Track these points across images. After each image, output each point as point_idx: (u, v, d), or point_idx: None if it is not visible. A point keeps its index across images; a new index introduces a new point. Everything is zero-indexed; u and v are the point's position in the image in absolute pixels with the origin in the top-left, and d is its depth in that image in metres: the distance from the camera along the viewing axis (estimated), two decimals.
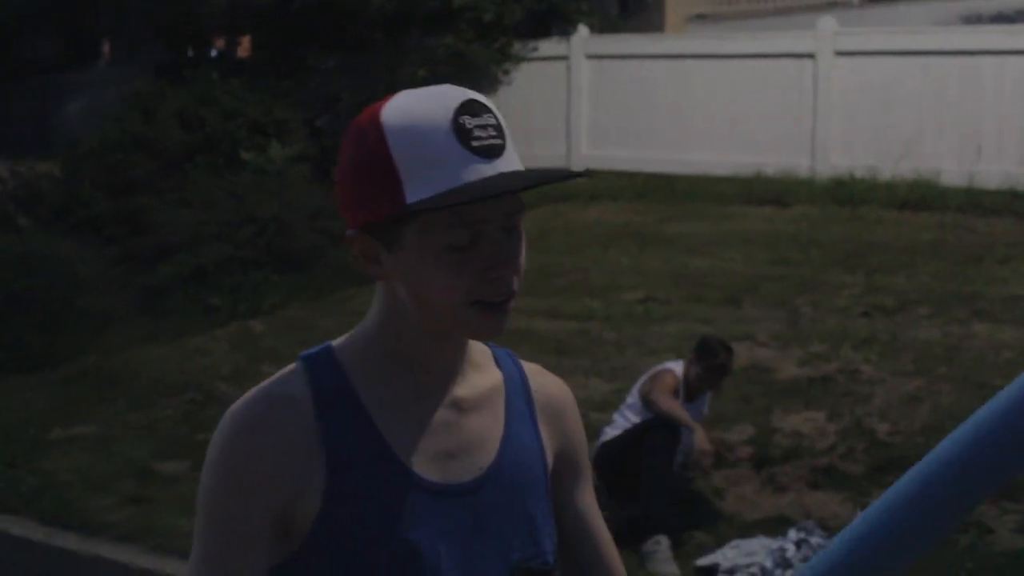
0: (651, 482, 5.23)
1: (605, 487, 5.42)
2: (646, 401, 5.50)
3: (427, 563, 1.34)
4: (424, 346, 1.37)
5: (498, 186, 1.24)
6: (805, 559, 4.69)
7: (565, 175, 1.32)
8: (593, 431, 6.19)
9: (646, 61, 11.62)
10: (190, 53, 13.36)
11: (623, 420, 5.65)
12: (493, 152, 1.27)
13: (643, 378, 5.76)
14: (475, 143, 1.26)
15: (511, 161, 1.29)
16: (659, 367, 5.82)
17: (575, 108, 11.72)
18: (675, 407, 5.46)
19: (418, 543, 1.33)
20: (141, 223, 10.11)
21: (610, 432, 5.65)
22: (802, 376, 6.68)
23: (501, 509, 1.40)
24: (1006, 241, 8.48)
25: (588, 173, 1.43)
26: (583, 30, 11.91)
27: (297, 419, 1.32)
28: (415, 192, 1.26)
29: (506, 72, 12.03)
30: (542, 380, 1.52)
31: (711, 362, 5.66)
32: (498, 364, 1.49)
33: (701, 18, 14.53)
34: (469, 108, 1.28)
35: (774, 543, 4.76)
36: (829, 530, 4.95)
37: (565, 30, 12.00)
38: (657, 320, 7.81)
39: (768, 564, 4.57)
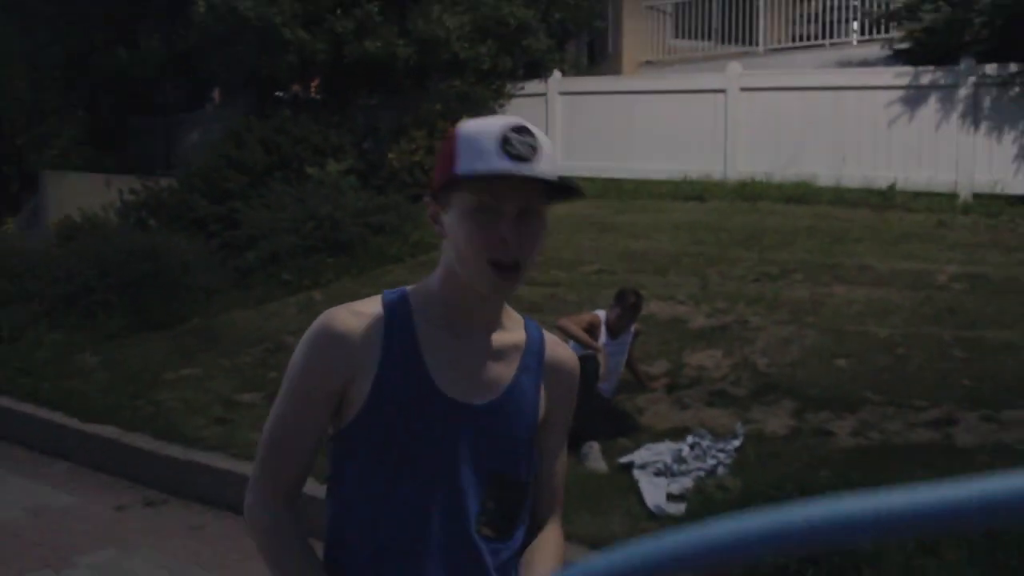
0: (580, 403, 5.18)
1: None
2: (559, 328, 5.35)
3: (432, 451, 1.38)
4: (468, 300, 1.41)
5: (508, 172, 1.30)
6: (698, 457, 4.72)
7: (561, 186, 1.34)
8: None
9: (604, 96, 11.58)
10: (277, 96, 13.34)
11: None
12: (522, 158, 1.31)
13: None
14: (511, 150, 1.31)
15: (536, 169, 1.32)
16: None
17: (552, 131, 11.66)
18: (570, 326, 5.44)
19: (429, 436, 1.38)
20: (234, 221, 10.16)
21: None
22: (707, 325, 6.70)
23: (495, 431, 1.42)
24: (862, 226, 8.46)
25: (579, 193, 1.38)
26: (557, 74, 11.87)
27: (367, 328, 1.39)
28: (462, 169, 1.32)
29: (500, 106, 11.99)
30: (556, 349, 1.54)
31: (625, 303, 5.66)
32: (526, 329, 1.51)
33: (650, 63, 14.42)
34: (518, 129, 1.33)
35: (675, 445, 4.80)
36: (717, 435, 4.98)
37: (545, 75, 11.95)
38: (606, 286, 7.81)
39: (668, 460, 4.60)
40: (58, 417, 6.47)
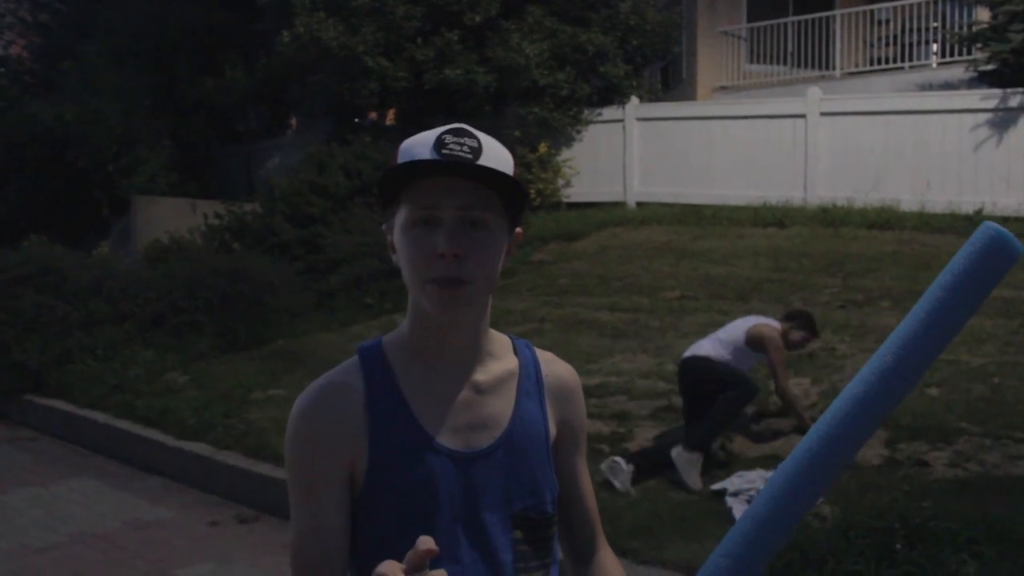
0: (717, 419, 4.91)
1: (682, 390, 5.23)
2: (758, 345, 5.07)
3: (447, 511, 1.27)
4: (435, 334, 1.29)
5: (436, 180, 1.20)
6: None
7: (508, 187, 1.22)
8: (636, 393, 6.21)
9: (681, 122, 11.58)
10: (355, 122, 13.58)
11: (715, 348, 5.15)
12: (456, 158, 1.21)
13: (745, 321, 5.29)
14: (444, 151, 1.21)
15: (474, 171, 1.21)
16: (762, 320, 5.31)
17: (629, 156, 11.72)
18: (790, 388, 5.19)
19: (440, 496, 1.27)
20: (316, 245, 10.29)
21: (703, 349, 5.18)
22: (794, 352, 6.61)
23: (510, 469, 1.31)
24: (948, 252, 8.25)
25: (520, 188, 1.23)
26: (634, 100, 11.91)
27: (349, 402, 1.27)
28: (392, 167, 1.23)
29: (578, 131, 12.08)
30: (553, 366, 1.41)
31: (810, 325, 5.35)
32: (516, 352, 1.38)
33: (724, 88, 14.38)
34: (455, 131, 1.23)
35: (767, 473, 4.74)
36: None
37: (621, 100, 11.99)
38: (689, 312, 7.79)
39: (760, 487, 4.54)
40: (153, 434, 6.66)
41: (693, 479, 4.83)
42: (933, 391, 5.70)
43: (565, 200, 11.84)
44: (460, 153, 1.21)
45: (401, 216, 1.24)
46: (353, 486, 1.28)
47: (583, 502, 1.45)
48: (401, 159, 1.25)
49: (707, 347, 5.21)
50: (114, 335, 8.72)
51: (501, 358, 1.36)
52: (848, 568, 3.53)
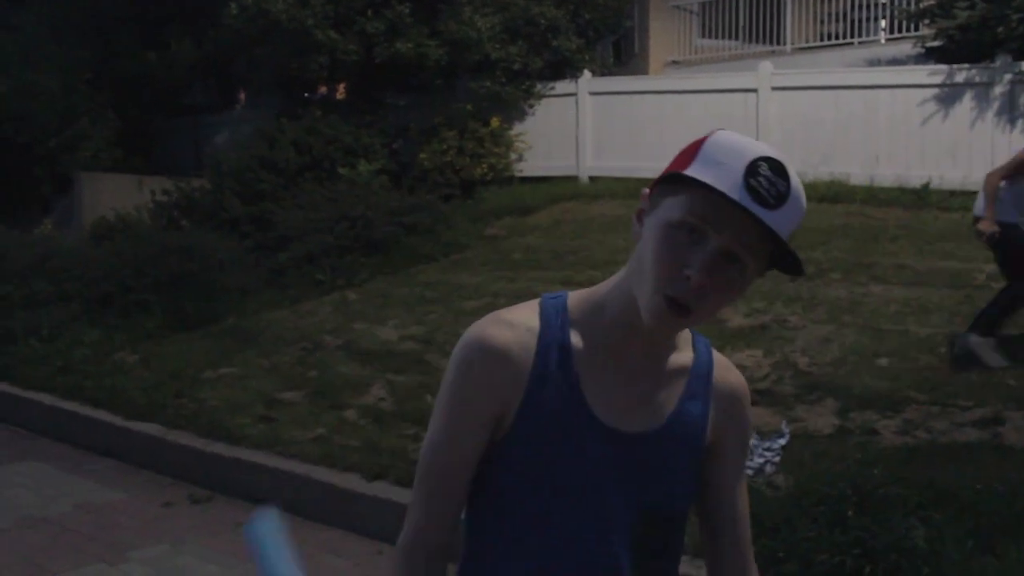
0: (1000, 304, 5.46)
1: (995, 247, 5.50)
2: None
3: (581, 480, 1.25)
4: (632, 331, 1.24)
5: (730, 205, 1.11)
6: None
7: (791, 262, 1.16)
8: None
9: (634, 96, 11.59)
10: (305, 96, 13.41)
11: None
12: (760, 199, 1.12)
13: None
14: (753, 183, 1.12)
15: (769, 217, 1.12)
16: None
17: (582, 131, 11.71)
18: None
19: (580, 464, 1.25)
20: (267, 222, 10.20)
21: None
22: (746, 325, 6.68)
23: (653, 462, 1.28)
24: (896, 225, 8.44)
25: (802, 271, 1.17)
26: (587, 74, 11.88)
27: (522, 343, 1.25)
28: (691, 170, 1.15)
29: (531, 106, 12.03)
30: (725, 372, 1.35)
31: None
32: (694, 347, 1.34)
33: (676, 63, 14.42)
34: (771, 164, 1.13)
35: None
36: (763, 434, 4.98)
37: (574, 74, 11.96)
38: None
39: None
40: (102, 415, 6.56)
41: (992, 359, 5.25)
42: (883, 361, 5.82)
43: (518, 174, 11.81)
44: (766, 194, 1.12)
45: (670, 208, 1.16)
46: (498, 430, 1.27)
47: (734, 525, 1.36)
48: (706, 151, 1.16)
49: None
50: (59, 315, 8.54)
51: (679, 350, 1.32)
52: (801, 535, 3.60)
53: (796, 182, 1.16)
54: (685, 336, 1.34)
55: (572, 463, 1.25)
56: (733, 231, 1.13)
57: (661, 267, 1.15)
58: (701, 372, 1.33)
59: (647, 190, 1.23)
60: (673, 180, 1.16)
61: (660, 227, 1.17)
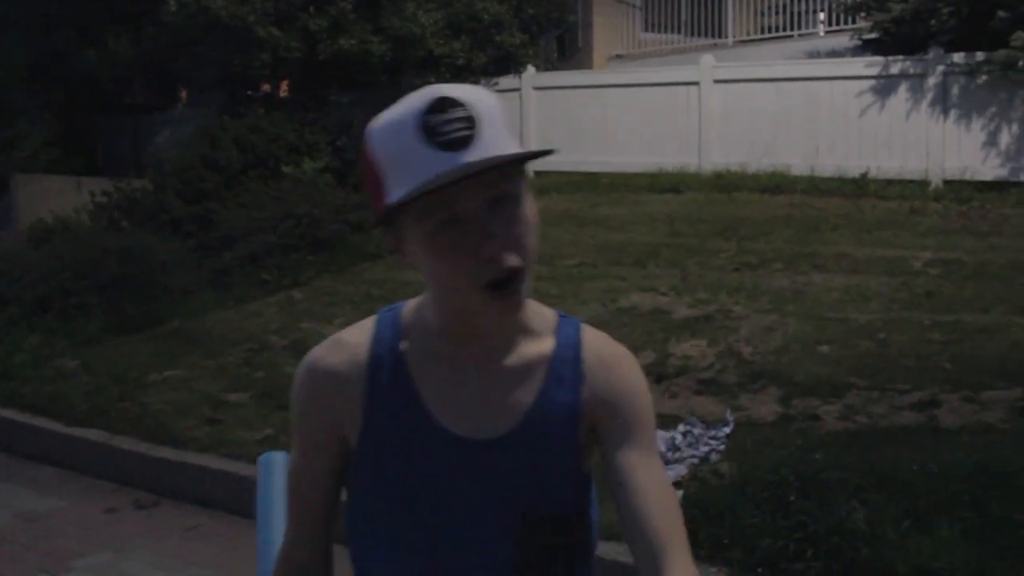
0: None
1: None
2: None
3: (441, 498, 1.17)
4: (465, 319, 1.16)
5: (446, 178, 1.02)
6: (691, 444, 4.77)
7: (518, 157, 1.07)
8: None
9: (578, 90, 11.66)
10: (248, 94, 13.25)
11: None
12: (457, 144, 1.04)
13: None
14: (439, 139, 1.04)
15: (480, 149, 1.04)
16: None
17: (526, 126, 11.74)
18: None
19: (434, 482, 1.17)
20: (210, 221, 10.04)
21: None
22: (690, 315, 6.75)
23: (518, 463, 1.18)
24: (836, 214, 8.59)
25: (543, 152, 1.10)
26: (531, 69, 11.91)
27: (351, 363, 1.20)
28: (393, 193, 1.07)
29: None
30: (598, 347, 1.24)
31: None
32: (557, 331, 1.23)
33: (619, 57, 14.51)
34: (437, 106, 1.05)
35: (667, 434, 4.84)
36: (708, 423, 5.04)
37: (518, 70, 11.97)
38: (587, 279, 7.88)
39: (663, 449, 4.65)
40: (42, 422, 6.41)
41: None
42: (824, 348, 5.92)
43: None
44: (457, 134, 1.04)
45: (416, 224, 1.08)
46: (350, 455, 1.23)
47: (641, 507, 1.14)
48: (381, 161, 1.08)
49: None
50: None
51: (537, 337, 1.22)
52: (746, 522, 3.65)
53: (466, 93, 1.07)
54: (545, 319, 1.24)
55: (426, 480, 1.17)
56: (472, 190, 1.05)
57: (459, 268, 1.08)
58: (566, 356, 1.21)
59: (382, 231, 1.16)
60: (393, 213, 1.08)
61: (426, 243, 1.08)
